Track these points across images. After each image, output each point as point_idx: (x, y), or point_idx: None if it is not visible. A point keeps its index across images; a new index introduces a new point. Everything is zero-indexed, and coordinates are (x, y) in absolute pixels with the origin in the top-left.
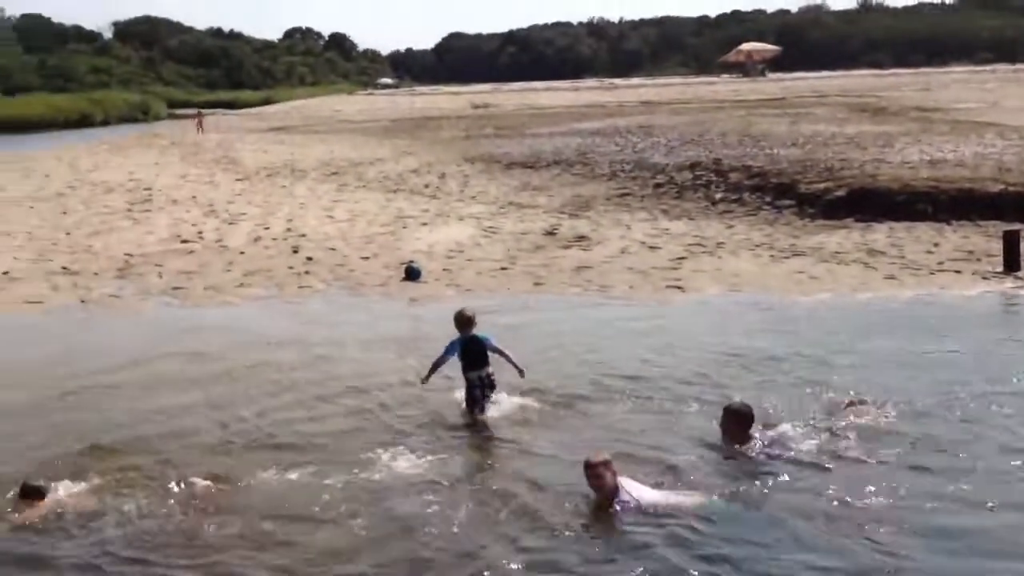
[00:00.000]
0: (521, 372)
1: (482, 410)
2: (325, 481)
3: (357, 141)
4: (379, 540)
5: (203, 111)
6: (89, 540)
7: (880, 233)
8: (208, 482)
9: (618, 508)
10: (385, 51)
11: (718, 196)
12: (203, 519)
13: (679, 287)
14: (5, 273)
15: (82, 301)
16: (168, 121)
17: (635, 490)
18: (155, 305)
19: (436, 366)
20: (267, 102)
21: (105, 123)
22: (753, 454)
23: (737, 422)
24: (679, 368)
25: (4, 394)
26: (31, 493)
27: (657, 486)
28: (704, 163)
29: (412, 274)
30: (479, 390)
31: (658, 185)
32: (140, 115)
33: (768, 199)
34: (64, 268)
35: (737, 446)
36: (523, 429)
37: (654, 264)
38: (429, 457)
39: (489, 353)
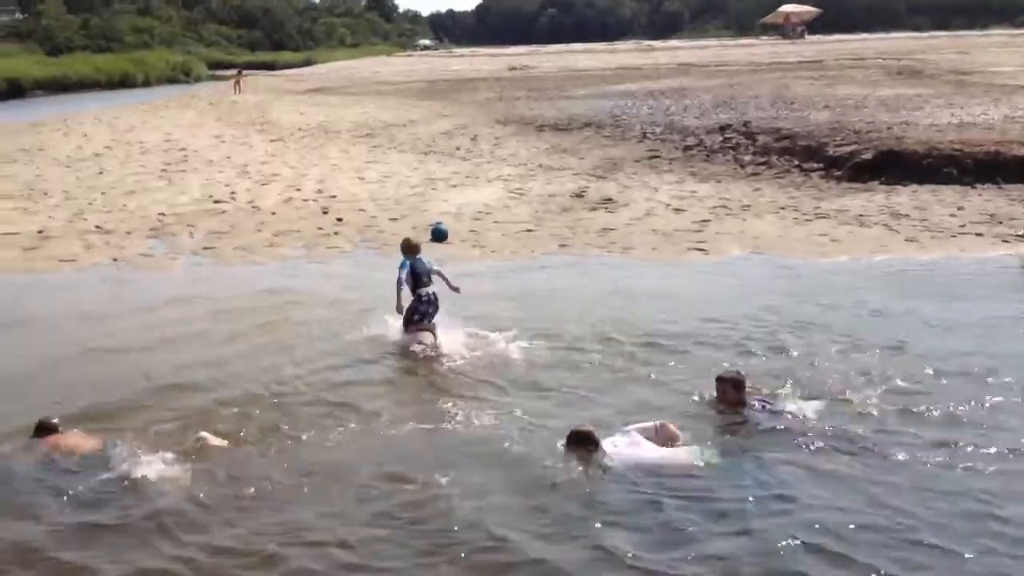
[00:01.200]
0: (456, 289)
1: (422, 320)
2: (352, 438)
3: (392, 103)
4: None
5: (243, 71)
6: (96, 486)
7: (904, 196)
8: (223, 442)
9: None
10: (425, 12)
11: (746, 159)
12: (213, 477)
13: (701, 249)
14: (40, 232)
15: (114, 260)
16: (208, 82)
17: (631, 447)
18: (185, 264)
19: (399, 286)
20: (307, 63)
21: (146, 83)
22: (745, 418)
23: (725, 389)
24: (688, 328)
25: (36, 350)
26: (47, 429)
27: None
28: (734, 126)
29: (437, 235)
30: (424, 305)
31: (687, 148)
32: (181, 76)
33: (796, 162)
34: (98, 227)
35: (732, 410)
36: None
37: (678, 226)
38: (453, 411)
39: (434, 276)
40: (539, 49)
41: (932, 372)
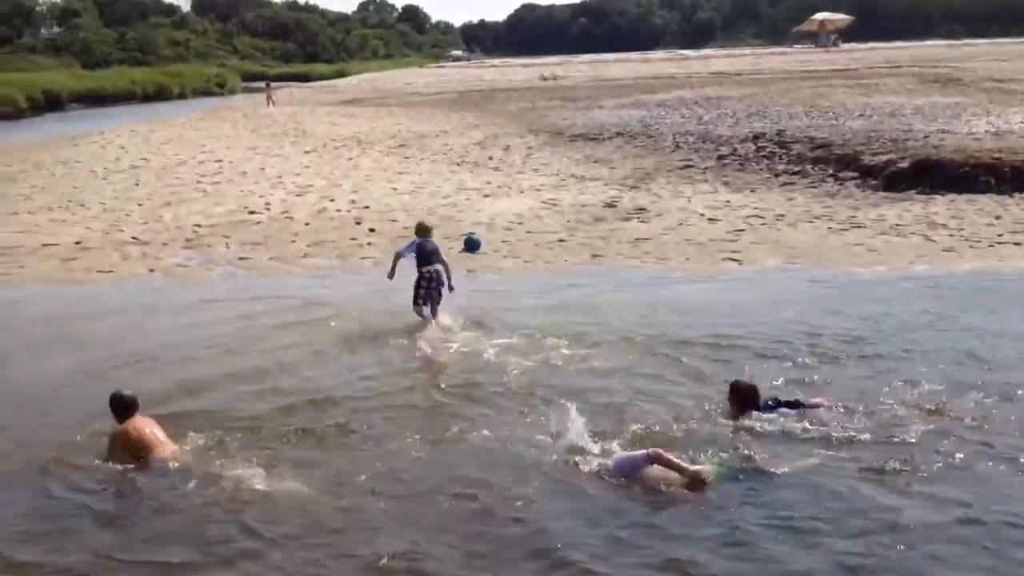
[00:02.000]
0: (451, 288)
1: (426, 301)
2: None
3: (425, 114)
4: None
5: (272, 84)
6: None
7: (941, 205)
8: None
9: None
10: (457, 23)
11: (781, 168)
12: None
13: (736, 259)
14: (78, 243)
15: (151, 270)
16: (242, 94)
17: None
18: (221, 275)
19: (396, 259)
20: (340, 75)
21: (182, 96)
22: (754, 427)
23: (739, 397)
24: (718, 337)
25: (72, 359)
26: (127, 406)
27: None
28: (768, 135)
29: (471, 245)
30: (426, 282)
31: (721, 157)
32: (216, 88)
33: (831, 171)
34: (135, 238)
35: (741, 419)
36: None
37: (712, 236)
38: (485, 420)
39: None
40: (571, 59)
41: (969, 384)
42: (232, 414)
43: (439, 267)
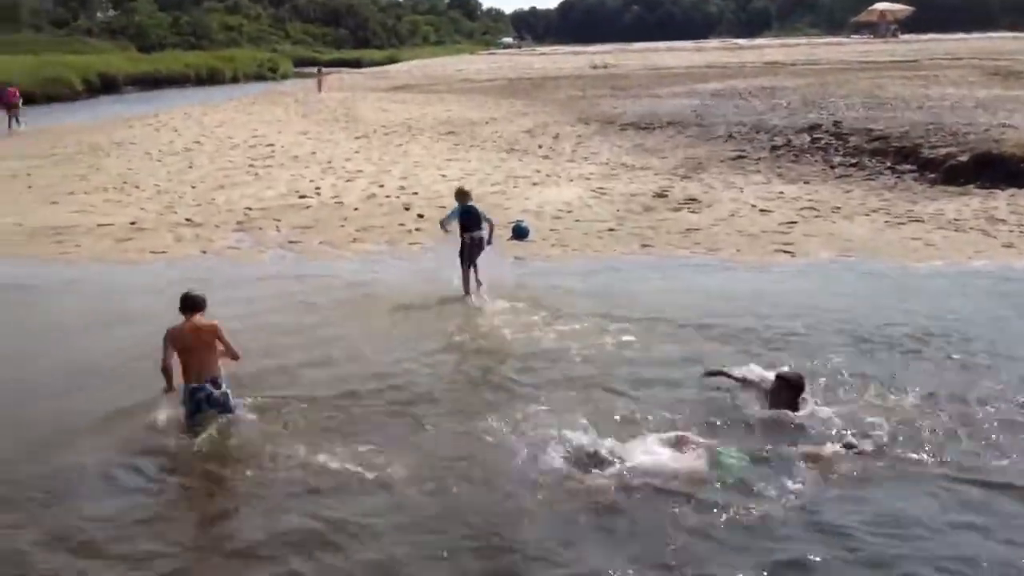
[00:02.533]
0: (490, 242)
1: (470, 264)
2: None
3: (475, 101)
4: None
5: (324, 70)
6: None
7: (1001, 200)
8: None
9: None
10: (508, 10)
11: (836, 160)
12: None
13: (788, 251)
14: (133, 223)
15: (203, 252)
16: (293, 79)
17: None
18: (271, 257)
19: (443, 223)
20: (391, 61)
21: (234, 80)
22: (798, 422)
23: (780, 389)
24: (766, 329)
25: (127, 333)
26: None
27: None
28: (824, 126)
29: (519, 233)
30: (469, 247)
31: (775, 148)
32: (268, 73)
33: (888, 164)
34: (188, 220)
35: (787, 412)
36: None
37: (764, 228)
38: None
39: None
40: (623, 47)
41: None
42: (295, 395)
43: (482, 232)
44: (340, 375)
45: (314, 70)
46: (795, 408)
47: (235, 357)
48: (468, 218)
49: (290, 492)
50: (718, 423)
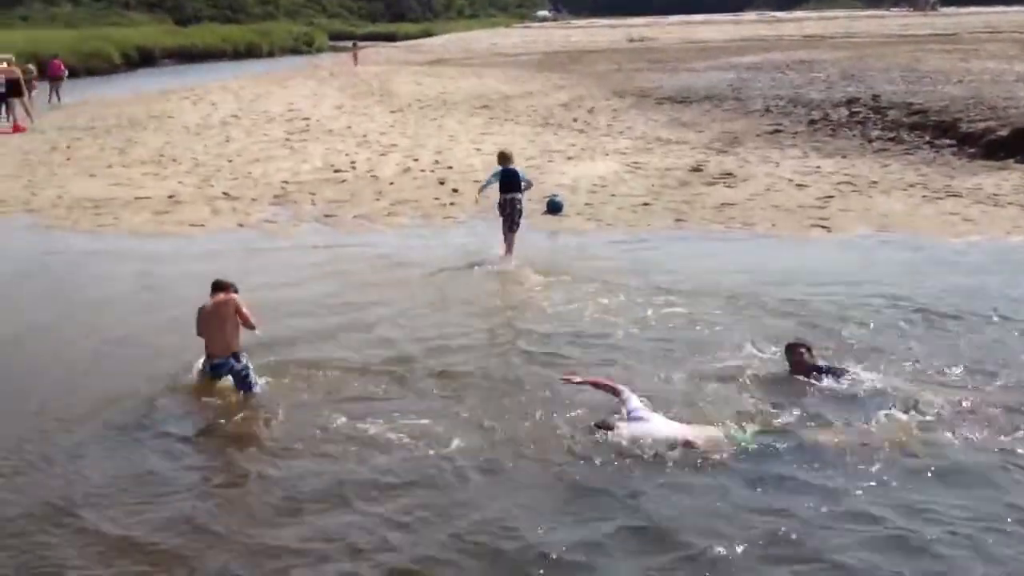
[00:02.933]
0: (528, 186)
1: (509, 225)
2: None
3: (510, 74)
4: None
5: (358, 44)
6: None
7: None
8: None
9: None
10: None
11: (874, 134)
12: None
13: (824, 226)
14: (171, 197)
15: (240, 225)
16: (329, 53)
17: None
18: (307, 231)
19: (482, 187)
20: (426, 34)
21: (270, 54)
22: (812, 387)
23: (793, 357)
24: (796, 301)
25: (171, 310)
26: (222, 287)
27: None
28: (862, 99)
29: (553, 207)
30: (509, 208)
31: (812, 122)
32: (304, 47)
33: (927, 138)
34: (225, 193)
35: (801, 378)
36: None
37: (800, 202)
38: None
39: (522, 185)
40: (659, 20)
41: None
42: (335, 363)
43: (519, 194)
44: (379, 342)
45: (349, 44)
46: (809, 373)
47: (251, 326)
48: (509, 181)
49: (322, 452)
50: (736, 398)
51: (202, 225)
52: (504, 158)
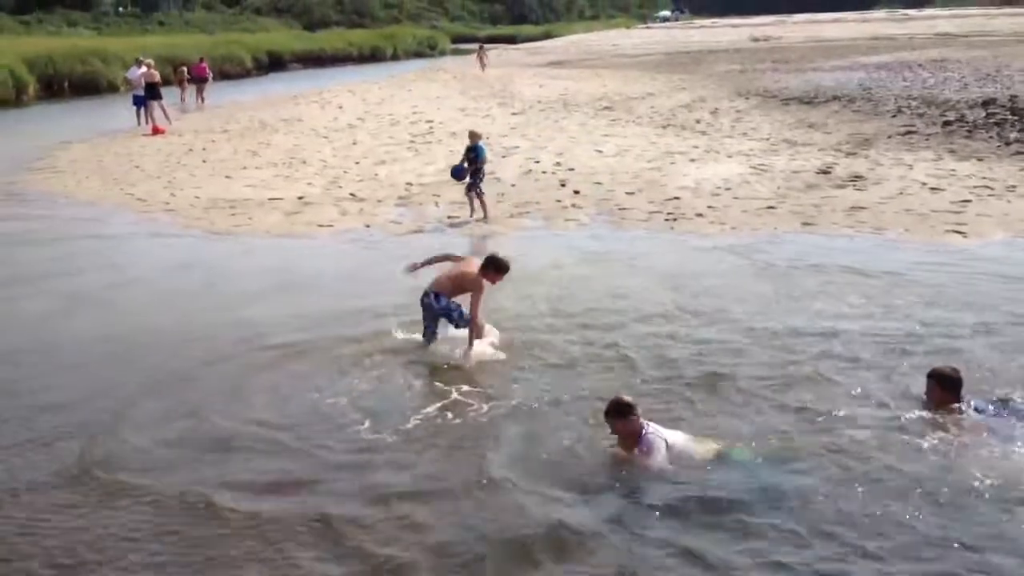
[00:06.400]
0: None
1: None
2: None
3: (631, 75)
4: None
5: (484, 46)
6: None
7: None
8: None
9: (641, 450)
10: None
11: (1013, 136)
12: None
13: (961, 231)
14: (300, 198)
15: (366, 226)
16: (451, 56)
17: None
18: (430, 232)
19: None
20: (547, 36)
21: (395, 57)
22: (958, 418)
23: (933, 387)
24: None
25: (308, 303)
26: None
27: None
28: (1000, 100)
29: (455, 173)
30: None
31: (947, 123)
32: (427, 50)
33: None
34: (352, 195)
35: (940, 410)
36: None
37: (935, 207)
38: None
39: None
40: (784, 19)
41: None
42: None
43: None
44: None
45: (471, 46)
46: (948, 405)
47: (471, 315)
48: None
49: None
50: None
51: (331, 225)
52: (474, 136)
